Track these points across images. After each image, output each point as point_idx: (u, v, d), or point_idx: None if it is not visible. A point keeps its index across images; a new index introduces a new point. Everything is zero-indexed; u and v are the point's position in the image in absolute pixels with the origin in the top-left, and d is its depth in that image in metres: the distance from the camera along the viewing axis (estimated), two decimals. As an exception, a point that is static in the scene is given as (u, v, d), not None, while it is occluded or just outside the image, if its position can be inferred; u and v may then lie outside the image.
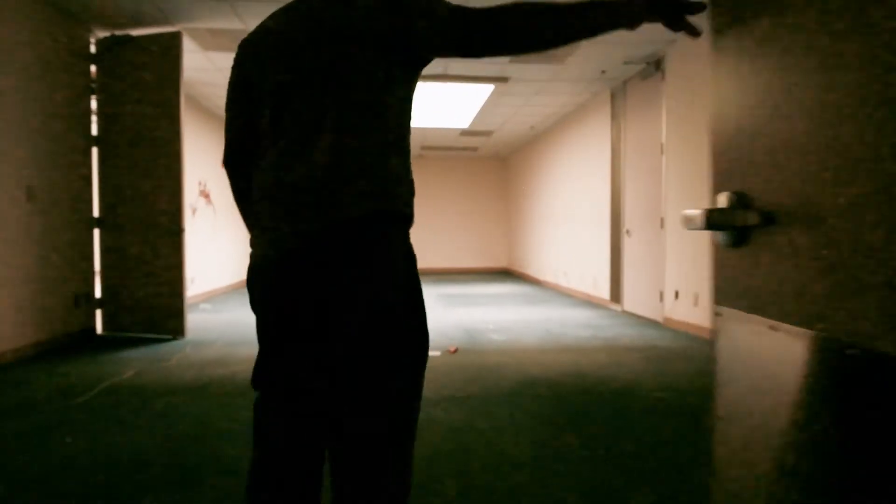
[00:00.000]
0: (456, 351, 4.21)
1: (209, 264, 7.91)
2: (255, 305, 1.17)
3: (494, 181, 13.06)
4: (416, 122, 8.80)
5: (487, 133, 9.70)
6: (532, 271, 10.66)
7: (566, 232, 8.54)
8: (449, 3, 1.03)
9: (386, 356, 1.05)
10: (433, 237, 12.80)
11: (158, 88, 4.62)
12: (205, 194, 7.86)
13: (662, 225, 5.48)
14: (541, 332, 5.08)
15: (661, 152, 5.47)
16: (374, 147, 1.05)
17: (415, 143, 10.81)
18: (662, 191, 5.46)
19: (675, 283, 5.26)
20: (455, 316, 6.06)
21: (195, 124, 7.36)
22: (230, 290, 8.66)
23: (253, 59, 1.16)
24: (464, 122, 8.86)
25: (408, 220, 1.11)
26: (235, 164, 1.26)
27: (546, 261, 9.67)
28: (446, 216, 12.85)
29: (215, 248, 8.18)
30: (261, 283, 1.13)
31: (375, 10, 1.04)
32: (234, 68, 1.21)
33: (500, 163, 13.00)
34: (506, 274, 12.22)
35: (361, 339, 1.04)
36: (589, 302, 7.33)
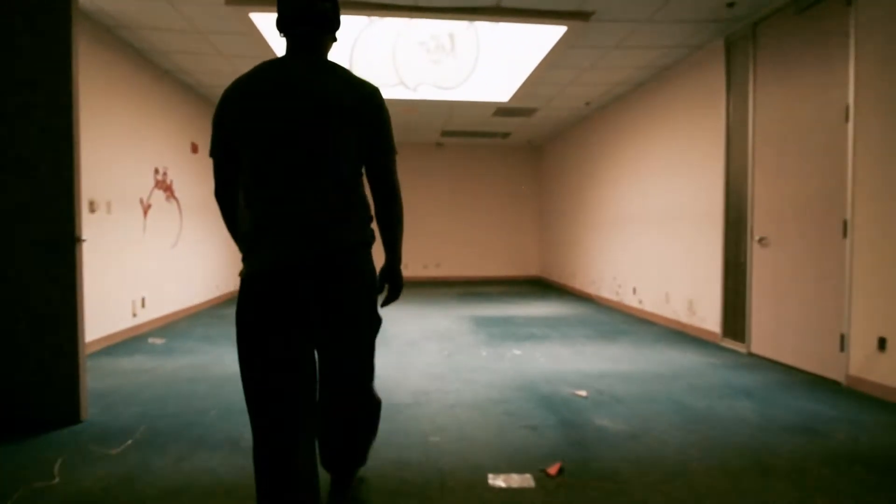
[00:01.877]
0: (560, 472, 2.26)
1: (169, 279, 5.98)
2: (261, 304, 1.48)
3: (525, 174, 11.09)
4: (442, 95, 6.85)
5: (529, 111, 7.73)
6: (577, 283, 8.70)
7: (635, 237, 6.59)
8: (392, 145, 1.64)
9: (361, 324, 1.66)
10: (452, 241, 10.85)
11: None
12: (165, 186, 5.93)
13: (846, 232, 3.53)
14: (673, 410, 3.12)
15: (846, 119, 3.51)
16: (350, 194, 1.55)
17: (434, 127, 8.85)
18: (848, 179, 3.50)
19: (875, 323, 3.31)
20: (512, 364, 4.12)
21: (150, 90, 5.46)
22: (199, 313, 6.71)
23: (244, 113, 1.48)
24: (503, 95, 6.90)
25: (371, 244, 1.65)
26: (226, 195, 1.64)
27: (600, 272, 7.71)
28: (467, 217, 10.90)
29: (179, 257, 6.24)
30: (276, 287, 1.47)
31: (355, 99, 1.52)
32: (224, 115, 1.52)
33: (532, 153, 11.04)
34: (539, 284, 10.25)
35: (349, 315, 1.60)
36: (682, 333, 5.38)
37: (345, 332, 1.61)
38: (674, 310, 5.68)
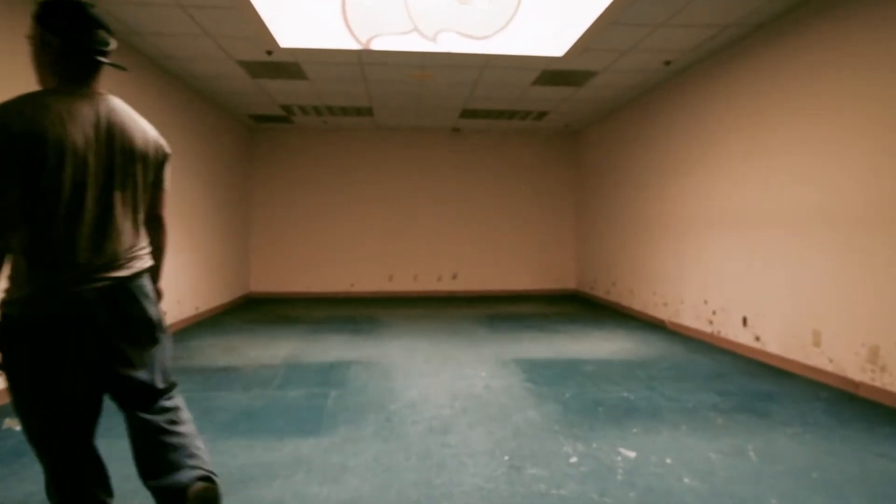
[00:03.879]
0: None
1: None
2: (54, 342, 1.42)
3: (559, 167, 9.15)
4: (471, 47, 4.92)
5: (584, 77, 5.79)
6: (637, 303, 6.76)
7: (747, 246, 4.65)
8: (167, 182, 1.72)
9: (153, 341, 1.62)
10: (470, 248, 8.92)
11: None
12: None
13: None
14: None
15: None
16: (140, 228, 1.61)
17: (452, 103, 6.92)
18: None
19: None
20: (637, 491, 2.19)
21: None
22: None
23: (36, 149, 1.34)
24: (556, 48, 4.97)
25: (156, 269, 1.74)
26: (7, 230, 1.38)
27: (678, 291, 5.78)
28: (489, 219, 8.97)
29: None
30: (72, 321, 1.43)
31: (148, 142, 1.58)
32: (11, 142, 1.31)
33: (568, 140, 9.10)
34: (579, 301, 8.31)
35: (141, 333, 1.58)
36: (857, 399, 3.45)
37: (145, 347, 1.60)
38: (833, 358, 3.75)
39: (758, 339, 4.51)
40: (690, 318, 5.54)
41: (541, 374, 4.05)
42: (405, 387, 3.71)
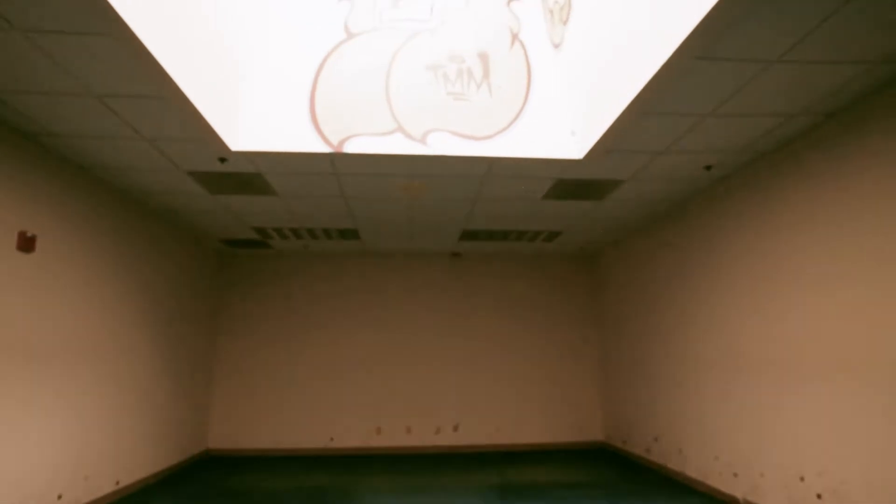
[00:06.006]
0: None
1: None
2: None
3: (578, 293, 7.99)
4: (468, 149, 3.99)
5: (608, 187, 4.85)
6: (692, 469, 5.18)
7: (864, 400, 3.30)
8: None
9: None
10: (474, 394, 7.48)
11: None
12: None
13: None
14: None
15: None
16: None
17: (450, 225, 5.96)
18: None
19: None
20: None
21: None
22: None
23: None
24: (573, 150, 4.05)
25: None
26: None
27: (760, 458, 4.27)
28: (496, 360, 7.63)
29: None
30: None
31: None
32: None
33: (586, 262, 8.06)
34: (609, 458, 6.65)
35: None
36: None
37: None
38: None
39: (910, 549, 2.98)
40: (779, 498, 3.99)
41: None
42: None
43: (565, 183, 4.69)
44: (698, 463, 5.11)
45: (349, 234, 6.49)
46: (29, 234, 3.68)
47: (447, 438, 7.29)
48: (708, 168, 4.38)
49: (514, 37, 4.11)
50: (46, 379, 3.92)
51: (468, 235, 6.61)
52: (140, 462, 5.29)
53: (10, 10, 2.41)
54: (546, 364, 7.66)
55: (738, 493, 4.49)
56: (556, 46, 4.13)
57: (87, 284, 4.42)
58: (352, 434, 7.20)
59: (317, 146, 3.85)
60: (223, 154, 3.96)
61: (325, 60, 3.98)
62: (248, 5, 3.93)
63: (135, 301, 5.18)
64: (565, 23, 3.98)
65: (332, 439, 7.17)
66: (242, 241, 6.87)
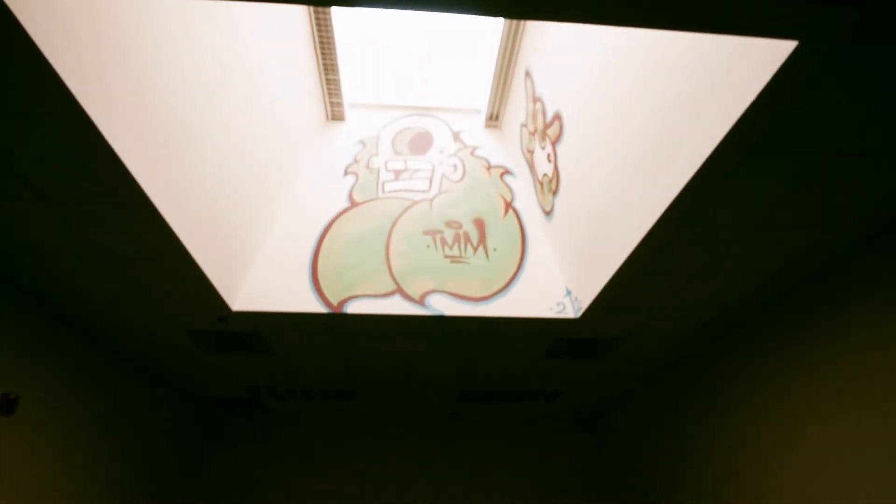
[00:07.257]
0: None
1: None
2: None
3: (585, 458, 7.49)
4: (465, 310, 4.06)
5: (606, 345, 4.82)
6: None
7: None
8: None
9: None
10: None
11: None
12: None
13: None
14: None
15: None
16: None
17: (448, 385, 5.84)
18: None
19: None
20: None
21: None
22: None
23: None
24: (572, 309, 4.10)
25: None
26: None
27: None
28: (502, 529, 6.92)
29: None
30: None
31: None
32: None
33: (583, 428, 7.67)
34: None
35: None
36: None
37: None
38: None
39: None
40: None
41: None
42: None
43: (564, 342, 4.67)
44: None
45: (346, 394, 6.29)
46: (11, 396, 3.56)
47: None
48: (706, 325, 4.41)
49: (508, 204, 4.41)
50: (-3, 564, 3.50)
51: (467, 395, 6.40)
52: None
53: (47, 186, 2.63)
54: (555, 542, 6.89)
55: None
56: (548, 213, 4.42)
57: (68, 452, 4.16)
58: None
59: (317, 307, 3.92)
60: (223, 313, 4.01)
61: (329, 226, 4.22)
62: (254, 182, 4.28)
63: (116, 465, 4.83)
64: (554, 193, 4.30)
65: None
66: (231, 401, 6.62)
